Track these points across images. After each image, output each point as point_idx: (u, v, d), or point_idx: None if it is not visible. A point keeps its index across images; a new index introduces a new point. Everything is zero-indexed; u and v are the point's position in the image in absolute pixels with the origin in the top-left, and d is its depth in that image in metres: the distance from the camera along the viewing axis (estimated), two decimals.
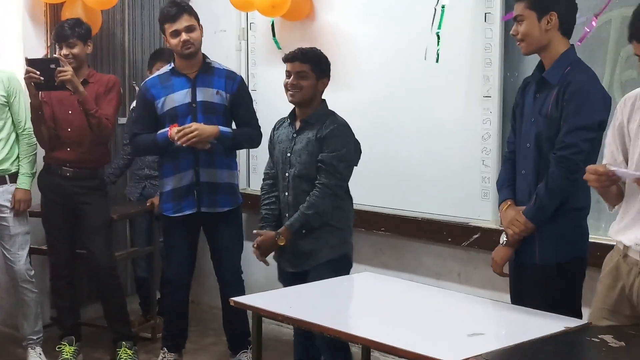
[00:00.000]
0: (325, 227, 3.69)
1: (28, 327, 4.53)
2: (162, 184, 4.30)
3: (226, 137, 4.15)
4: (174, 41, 4.12)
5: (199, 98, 4.18)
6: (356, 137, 3.80)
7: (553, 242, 3.09)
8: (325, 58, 3.80)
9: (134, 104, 5.00)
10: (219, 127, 4.11)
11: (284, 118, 3.90)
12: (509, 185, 3.28)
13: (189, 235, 4.35)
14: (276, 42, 4.96)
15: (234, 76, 4.32)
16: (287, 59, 3.76)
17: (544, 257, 3.10)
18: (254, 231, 3.83)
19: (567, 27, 3.13)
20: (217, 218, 4.28)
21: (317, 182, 3.66)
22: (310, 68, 3.71)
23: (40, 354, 4.53)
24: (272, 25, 4.94)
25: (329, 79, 3.79)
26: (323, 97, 3.81)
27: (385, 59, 4.48)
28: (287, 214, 3.77)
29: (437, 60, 4.17)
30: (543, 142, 3.08)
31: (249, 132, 4.30)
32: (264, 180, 3.96)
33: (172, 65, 4.24)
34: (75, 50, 4.31)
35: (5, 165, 4.40)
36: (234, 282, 4.34)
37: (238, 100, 4.27)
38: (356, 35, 4.56)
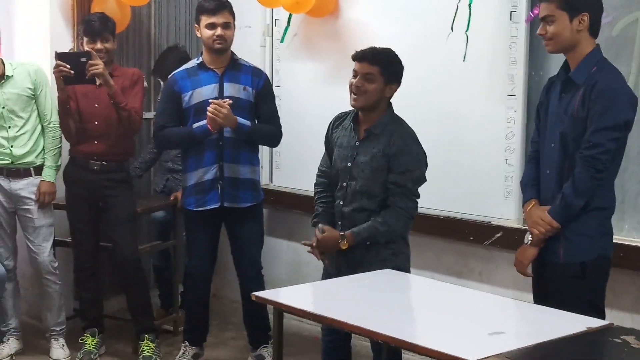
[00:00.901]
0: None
1: (51, 319, 4.57)
2: (186, 178, 4.32)
3: (243, 130, 4.15)
4: (207, 33, 4.15)
5: (226, 93, 4.19)
6: None
7: (578, 241, 3.08)
8: (399, 61, 3.52)
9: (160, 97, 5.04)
10: (238, 118, 4.12)
11: (344, 114, 3.65)
12: (533, 185, 3.27)
13: (211, 229, 4.37)
14: (284, 33, 4.97)
15: (260, 73, 4.35)
16: (356, 57, 3.49)
17: (568, 257, 3.09)
18: (320, 225, 3.57)
19: (595, 27, 3.12)
20: (238, 213, 4.30)
21: (393, 204, 3.44)
22: (379, 71, 3.43)
23: (63, 345, 4.57)
24: (289, 17, 4.94)
25: (399, 85, 3.52)
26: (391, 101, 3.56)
27: (409, 56, 4.41)
28: (340, 222, 3.57)
29: (464, 60, 4.16)
30: (568, 142, 3.07)
31: (268, 129, 4.31)
32: (319, 176, 3.74)
33: (200, 59, 4.27)
34: (109, 45, 4.36)
35: (30, 158, 4.44)
36: (254, 277, 4.35)
37: (262, 98, 4.29)
38: (381, 32, 4.55)
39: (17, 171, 4.43)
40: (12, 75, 4.40)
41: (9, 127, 4.39)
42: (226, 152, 4.20)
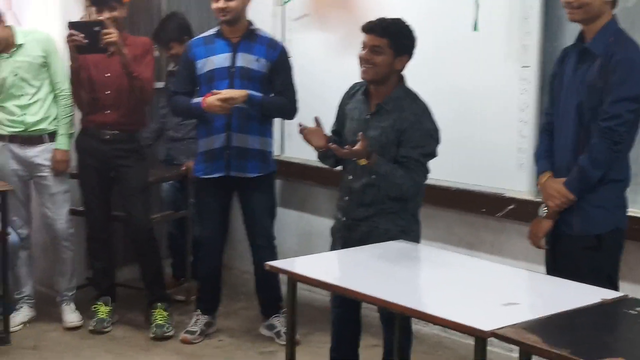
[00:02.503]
0: (386, 216, 3.44)
1: (63, 284, 4.62)
2: (198, 145, 4.35)
3: (255, 102, 4.14)
4: (212, 5, 4.16)
5: (238, 63, 4.18)
6: None
7: (593, 213, 3.08)
8: (410, 33, 3.43)
9: (170, 66, 5.03)
10: (248, 91, 4.11)
11: (358, 85, 3.57)
12: (547, 157, 3.26)
13: (220, 198, 4.37)
14: None
15: (276, 45, 4.31)
16: (364, 29, 3.39)
17: (583, 229, 3.09)
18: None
19: None
20: (248, 183, 4.30)
21: (411, 174, 3.36)
22: (388, 44, 3.35)
23: (75, 310, 4.60)
24: None
25: (410, 57, 3.43)
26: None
27: (423, 26, 4.40)
28: (347, 197, 3.51)
29: (475, 29, 4.13)
30: (585, 113, 3.06)
31: (281, 101, 4.28)
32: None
33: (218, 27, 4.26)
34: (116, 13, 4.33)
35: (43, 125, 4.45)
36: (266, 248, 4.36)
37: (277, 70, 4.25)
38: (393, 1, 4.51)
39: (30, 138, 4.45)
40: (23, 44, 4.40)
41: (21, 95, 4.41)
42: (234, 122, 4.19)
